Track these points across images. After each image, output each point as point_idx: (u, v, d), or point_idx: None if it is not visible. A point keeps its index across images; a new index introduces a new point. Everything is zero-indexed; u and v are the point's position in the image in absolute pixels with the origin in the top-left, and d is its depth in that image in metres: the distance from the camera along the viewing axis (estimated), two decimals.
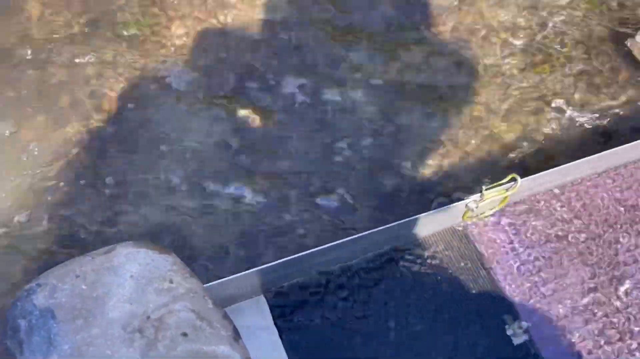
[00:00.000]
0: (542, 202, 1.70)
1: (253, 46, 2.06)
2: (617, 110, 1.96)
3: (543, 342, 1.49)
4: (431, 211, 1.58)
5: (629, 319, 1.52)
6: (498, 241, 1.63)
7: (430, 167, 1.83)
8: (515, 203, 1.69)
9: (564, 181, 1.72)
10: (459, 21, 2.14)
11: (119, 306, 1.10)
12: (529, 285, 1.57)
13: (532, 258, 1.61)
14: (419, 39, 2.09)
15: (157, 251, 1.22)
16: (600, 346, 1.48)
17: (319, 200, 1.76)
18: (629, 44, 2.08)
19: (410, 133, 1.89)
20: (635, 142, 1.73)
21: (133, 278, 1.15)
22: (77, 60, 1.99)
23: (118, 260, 1.17)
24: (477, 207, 1.59)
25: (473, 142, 1.88)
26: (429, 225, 1.62)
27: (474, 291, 1.56)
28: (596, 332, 1.50)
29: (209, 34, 2.08)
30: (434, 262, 1.60)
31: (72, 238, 1.67)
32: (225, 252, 1.66)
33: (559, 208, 1.69)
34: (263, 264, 1.47)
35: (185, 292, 1.16)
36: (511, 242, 1.63)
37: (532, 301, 1.54)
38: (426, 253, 1.61)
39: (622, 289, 1.56)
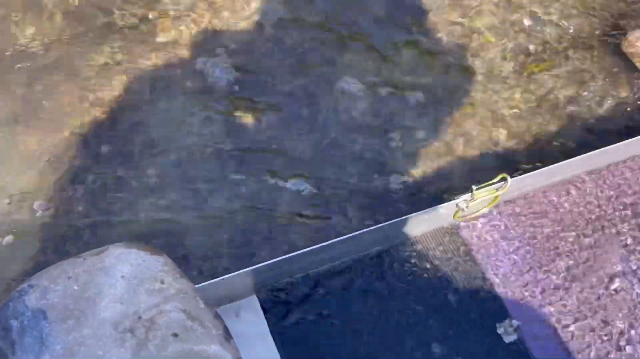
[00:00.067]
0: (533, 202, 1.71)
1: (247, 47, 2.07)
2: (608, 109, 1.97)
3: (533, 340, 1.50)
4: (422, 211, 1.59)
5: (618, 317, 1.53)
6: (489, 240, 1.65)
7: (421, 167, 1.84)
8: (506, 203, 1.70)
9: (554, 180, 1.74)
10: (451, 22, 2.15)
11: (110, 307, 1.11)
12: (519, 284, 1.58)
13: (522, 257, 1.62)
14: (411, 40, 2.10)
15: (148, 252, 1.23)
16: (590, 344, 1.50)
17: (310, 200, 1.77)
18: (620, 43, 2.09)
19: (402, 133, 1.90)
20: (625, 141, 1.74)
21: (124, 278, 1.16)
22: (72, 62, 2.00)
23: (109, 261, 1.18)
24: (467, 207, 1.60)
25: (464, 141, 1.89)
26: (420, 225, 1.63)
27: (464, 290, 1.57)
28: (586, 330, 1.51)
29: (203, 36, 2.08)
30: (425, 262, 1.61)
31: (65, 239, 1.68)
32: (218, 252, 1.67)
33: (549, 208, 1.70)
34: (255, 264, 1.48)
35: (176, 292, 1.17)
36: (501, 241, 1.64)
37: (522, 300, 1.56)
38: (417, 253, 1.62)
39: (612, 287, 1.58)
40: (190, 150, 1.85)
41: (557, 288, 1.57)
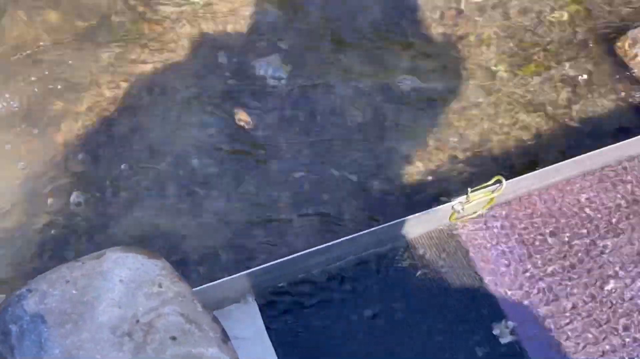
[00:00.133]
0: (528, 204, 1.72)
1: (243, 50, 2.08)
2: (602, 111, 1.98)
3: (529, 341, 1.51)
4: (418, 214, 1.60)
5: (613, 318, 1.55)
6: (484, 242, 1.66)
7: (417, 169, 1.85)
8: (501, 205, 1.71)
9: (549, 182, 1.75)
10: (446, 25, 2.16)
11: (108, 311, 1.12)
12: (515, 285, 1.59)
13: (517, 258, 1.63)
14: (406, 42, 2.12)
15: (146, 255, 1.24)
16: (586, 345, 1.51)
17: (307, 203, 1.78)
18: (614, 45, 2.11)
19: (398, 135, 1.91)
20: (620, 143, 1.76)
21: (122, 282, 1.17)
22: (70, 65, 2.01)
23: (107, 265, 1.19)
24: (463, 209, 1.62)
25: (459, 144, 1.90)
26: (417, 227, 1.64)
27: (461, 292, 1.58)
28: (581, 331, 1.53)
29: (199, 40, 2.09)
30: (421, 263, 1.62)
31: (63, 243, 1.69)
32: (215, 255, 1.68)
33: (544, 209, 1.71)
34: (253, 267, 1.49)
35: (174, 296, 1.18)
36: (497, 243, 1.65)
37: (518, 301, 1.57)
38: (414, 255, 1.63)
39: (606, 288, 1.59)
40: (187, 153, 1.86)
41: (552, 289, 1.59)
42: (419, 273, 1.61)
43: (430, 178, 1.83)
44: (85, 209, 1.75)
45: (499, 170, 1.78)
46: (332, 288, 1.58)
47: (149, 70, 2.01)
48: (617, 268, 1.62)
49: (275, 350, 1.48)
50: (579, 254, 1.64)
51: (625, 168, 1.79)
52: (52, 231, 1.71)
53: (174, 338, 1.12)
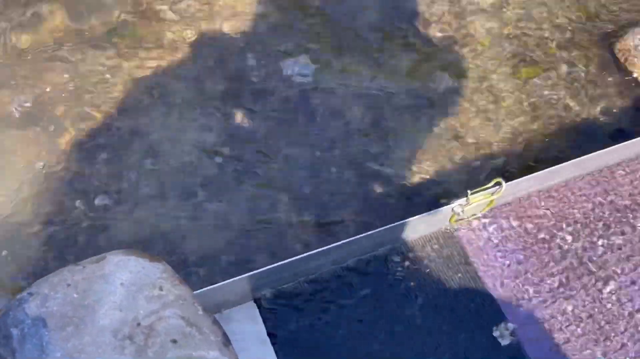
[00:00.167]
0: (527, 205, 1.73)
1: (242, 53, 2.08)
2: (600, 113, 1.99)
3: (529, 343, 1.51)
4: (418, 216, 1.60)
5: (613, 320, 1.55)
6: (484, 244, 1.66)
7: (417, 172, 1.86)
8: (501, 207, 1.72)
9: (548, 184, 1.75)
10: (445, 27, 2.17)
11: (109, 314, 1.13)
12: (515, 287, 1.59)
13: (517, 260, 1.63)
14: (406, 45, 2.12)
15: (147, 259, 1.24)
16: (586, 348, 1.51)
17: (308, 205, 1.79)
18: (613, 47, 2.12)
19: (398, 138, 1.92)
20: (619, 145, 1.76)
21: (123, 285, 1.17)
22: (70, 68, 2.01)
23: (109, 268, 1.19)
24: (463, 211, 1.62)
25: (459, 146, 1.91)
26: (417, 229, 1.65)
27: (461, 294, 1.58)
28: (581, 333, 1.53)
29: (199, 42, 2.10)
30: (421, 266, 1.63)
31: (64, 246, 1.69)
32: (216, 258, 1.68)
33: (543, 211, 1.72)
34: (253, 270, 1.49)
35: (175, 299, 1.19)
36: (497, 245, 1.66)
37: (518, 303, 1.57)
38: (414, 257, 1.64)
39: (606, 290, 1.59)
40: (187, 155, 1.86)
41: (552, 291, 1.59)
42: (418, 275, 1.61)
43: (430, 180, 1.84)
44: (86, 212, 1.75)
45: (499, 172, 1.79)
46: (332, 291, 1.58)
47: (149, 73, 2.02)
48: (616, 270, 1.62)
49: (276, 353, 1.48)
50: (579, 256, 1.64)
51: (624, 170, 1.80)
52: (53, 235, 1.71)
53: (174, 341, 1.12)
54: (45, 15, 2.12)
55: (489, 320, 1.55)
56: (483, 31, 2.16)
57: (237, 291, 1.51)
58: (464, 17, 2.19)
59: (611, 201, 1.74)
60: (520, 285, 1.60)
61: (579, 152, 1.76)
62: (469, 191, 1.59)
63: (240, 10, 2.17)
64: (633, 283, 1.60)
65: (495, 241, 1.66)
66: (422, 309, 1.56)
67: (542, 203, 1.73)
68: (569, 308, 1.56)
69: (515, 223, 1.69)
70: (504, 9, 2.21)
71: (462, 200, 1.60)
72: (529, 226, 1.69)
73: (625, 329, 1.54)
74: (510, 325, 1.54)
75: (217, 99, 1.98)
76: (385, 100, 2.00)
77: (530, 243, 1.66)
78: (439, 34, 2.15)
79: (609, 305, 1.57)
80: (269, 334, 1.50)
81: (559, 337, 1.52)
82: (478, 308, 1.56)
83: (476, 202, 1.62)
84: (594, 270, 1.62)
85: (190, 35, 2.11)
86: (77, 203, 1.77)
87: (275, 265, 1.50)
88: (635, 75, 2.06)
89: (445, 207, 1.62)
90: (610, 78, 2.07)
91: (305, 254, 1.52)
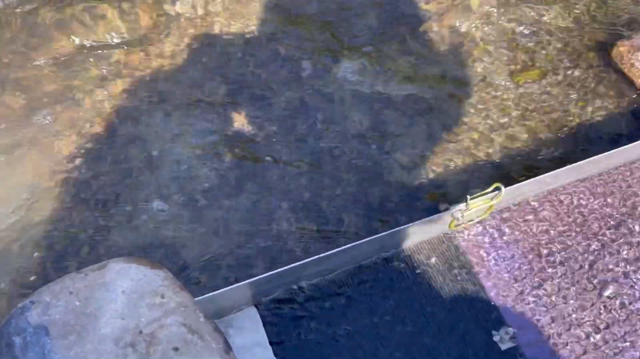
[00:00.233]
0: (526, 210, 1.73)
1: (242, 59, 2.09)
2: (600, 118, 2.00)
3: (529, 348, 1.52)
4: (418, 221, 1.61)
5: (612, 323, 1.55)
6: (484, 249, 1.67)
7: (417, 177, 1.86)
8: (500, 212, 1.72)
9: (547, 189, 1.76)
10: (445, 32, 2.18)
11: (111, 322, 1.13)
12: (515, 291, 1.60)
13: (517, 265, 1.64)
14: (405, 49, 2.13)
15: (148, 266, 1.25)
16: (586, 352, 1.52)
17: (308, 211, 1.79)
18: (610, 52, 2.12)
19: (397, 142, 1.92)
20: (617, 149, 1.77)
21: (125, 293, 1.18)
22: (68, 75, 2.02)
23: (110, 276, 1.20)
24: (462, 216, 1.62)
25: (458, 151, 1.92)
26: (417, 235, 1.65)
27: (461, 299, 1.59)
28: (582, 337, 1.53)
29: (199, 48, 2.11)
30: (422, 271, 1.63)
31: (65, 254, 1.69)
32: (216, 265, 1.68)
33: (543, 216, 1.72)
34: (254, 276, 1.50)
35: (177, 306, 1.19)
36: (497, 250, 1.66)
37: (518, 307, 1.58)
38: (414, 263, 1.64)
39: (605, 294, 1.60)
40: (187, 162, 1.87)
41: (551, 295, 1.59)
42: (418, 280, 1.61)
43: (429, 185, 1.84)
44: (86, 220, 1.76)
45: (498, 177, 1.80)
46: (333, 297, 1.58)
47: (148, 79, 2.02)
48: (616, 274, 1.63)
49: None
50: (578, 260, 1.65)
51: (622, 175, 1.81)
52: (54, 243, 1.71)
53: (176, 349, 1.13)
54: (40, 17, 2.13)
55: (489, 325, 1.55)
56: (482, 35, 2.17)
57: (238, 297, 1.51)
58: (464, 22, 2.20)
59: (610, 206, 1.74)
60: (520, 290, 1.60)
61: (578, 157, 1.77)
62: (468, 196, 1.59)
63: (239, 15, 2.18)
64: (632, 287, 1.61)
65: (495, 245, 1.67)
66: (422, 314, 1.56)
67: (542, 208, 1.73)
68: (569, 312, 1.57)
69: (514, 228, 1.70)
70: (504, 14, 2.22)
71: (462, 205, 1.61)
72: (528, 231, 1.69)
73: (625, 333, 1.54)
74: (511, 329, 1.54)
75: (216, 104, 1.98)
76: (384, 105, 2.00)
77: (530, 247, 1.67)
78: (437, 38, 2.16)
79: (608, 309, 1.57)
80: (269, 341, 1.51)
81: (558, 341, 1.53)
82: (478, 313, 1.57)
83: (476, 207, 1.63)
84: (593, 274, 1.63)
85: (189, 41, 2.11)
86: (78, 210, 1.77)
87: (276, 271, 1.50)
88: (633, 79, 2.07)
89: (445, 212, 1.63)
90: (608, 83, 2.07)
91: (305, 260, 1.53)
